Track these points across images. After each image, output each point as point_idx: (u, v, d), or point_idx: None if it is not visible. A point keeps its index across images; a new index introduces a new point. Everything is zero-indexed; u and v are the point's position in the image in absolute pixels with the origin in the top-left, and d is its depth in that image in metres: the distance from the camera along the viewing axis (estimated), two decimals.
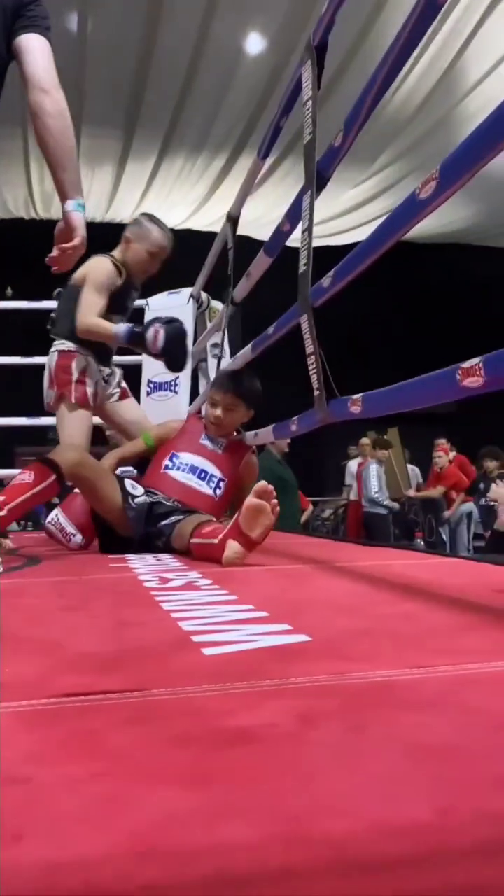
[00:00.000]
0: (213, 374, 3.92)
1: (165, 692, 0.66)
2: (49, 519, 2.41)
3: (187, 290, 3.94)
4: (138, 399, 3.91)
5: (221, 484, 2.41)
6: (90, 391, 2.66)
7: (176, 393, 3.73)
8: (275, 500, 1.79)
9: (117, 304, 2.68)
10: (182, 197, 8.82)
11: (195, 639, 0.87)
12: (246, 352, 2.62)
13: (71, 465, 2.14)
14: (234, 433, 2.57)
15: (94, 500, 2.24)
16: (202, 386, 3.84)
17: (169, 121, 7.26)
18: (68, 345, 2.65)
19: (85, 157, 7.94)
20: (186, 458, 2.42)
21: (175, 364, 2.63)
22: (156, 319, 2.56)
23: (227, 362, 3.35)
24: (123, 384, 2.95)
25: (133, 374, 4.02)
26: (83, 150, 7.74)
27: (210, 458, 2.44)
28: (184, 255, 5.06)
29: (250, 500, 1.75)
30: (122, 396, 2.91)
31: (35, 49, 1.81)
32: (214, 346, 3.84)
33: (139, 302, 4.15)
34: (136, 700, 0.64)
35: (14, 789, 0.45)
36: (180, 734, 0.55)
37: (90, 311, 2.55)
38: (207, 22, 5.98)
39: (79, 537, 2.35)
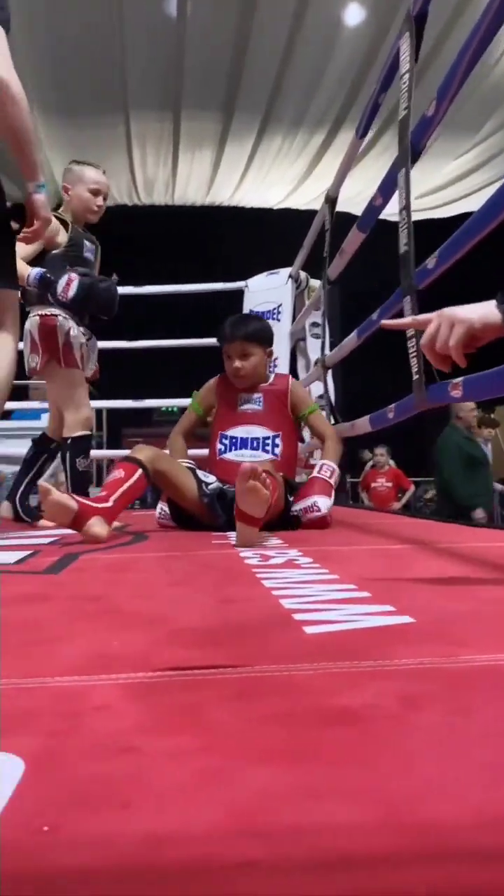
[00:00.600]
0: (312, 354, 3.91)
1: (268, 669, 0.66)
2: (157, 514, 2.45)
3: (286, 271, 3.92)
4: None
5: (277, 440, 2.41)
6: (77, 355, 2.64)
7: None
8: (264, 475, 1.78)
9: (74, 257, 2.64)
10: (280, 176, 8.75)
11: (297, 617, 0.87)
12: (351, 339, 2.60)
13: (149, 459, 2.17)
14: (267, 381, 2.51)
15: (173, 491, 2.26)
16: (300, 366, 3.83)
17: (267, 100, 7.20)
18: (49, 309, 2.60)
19: (185, 142, 8.02)
20: (233, 433, 2.43)
21: (80, 311, 2.62)
22: (74, 270, 2.54)
23: (328, 341, 3.33)
24: (95, 364, 2.90)
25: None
26: (183, 134, 7.82)
27: (255, 421, 2.42)
28: (283, 235, 5.05)
29: (239, 484, 1.75)
30: (93, 377, 2.89)
31: None
32: (314, 325, 3.83)
33: (238, 283, 4.18)
34: (238, 676, 0.64)
35: (123, 759, 0.46)
36: (282, 711, 0.55)
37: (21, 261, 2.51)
38: None
39: None
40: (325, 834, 0.36)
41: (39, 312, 2.62)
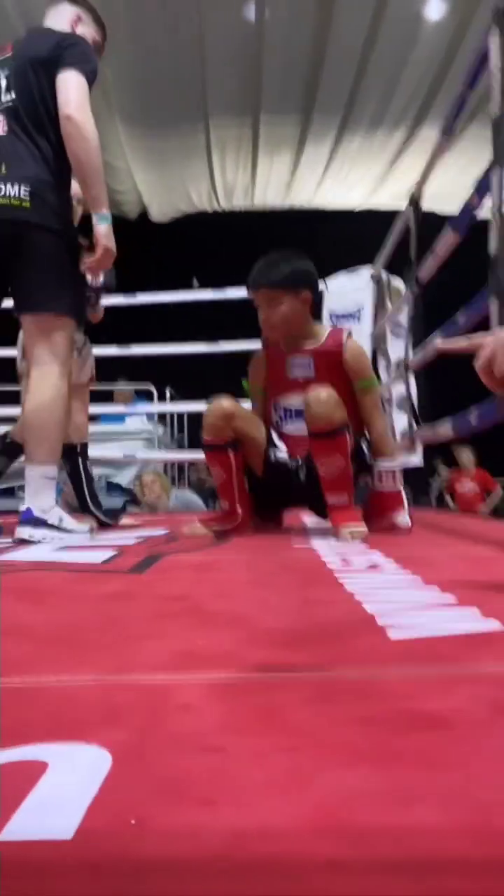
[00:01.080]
0: (393, 355, 3.86)
1: (351, 672, 0.66)
2: None
3: (366, 270, 3.88)
4: None
5: None
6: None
7: None
8: None
9: None
10: (360, 176, 8.68)
11: (380, 621, 0.86)
12: (435, 341, 2.55)
13: (229, 429, 2.12)
14: (315, 336, 2.22)
15: (246, 448, 2.18)
16: (381, 367, 3.78)
17: (346, 100, 7.16)
18: None
19: (264, 146, 8.05)
20: (286, 403, 2.22)
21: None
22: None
23: (410, 341, 3.28)
24: (92, 370, 2.88)
25: None
26: (262, 138, 7.86)
27: (307, 388, 2.08)
28: (363, 236, 5.01)
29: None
30: (89, 382, 2.89)
31: (62, 82, 2.10)
32: (396, 325, 3.78)
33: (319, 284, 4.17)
34: (321, 678, 0.64)
35: (207, 757, 0.47)
36: (366, 715, 0.54)
37: None
38: None
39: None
40: (412, 836, 0.35)
41: None
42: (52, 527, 2.09)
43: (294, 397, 2.17)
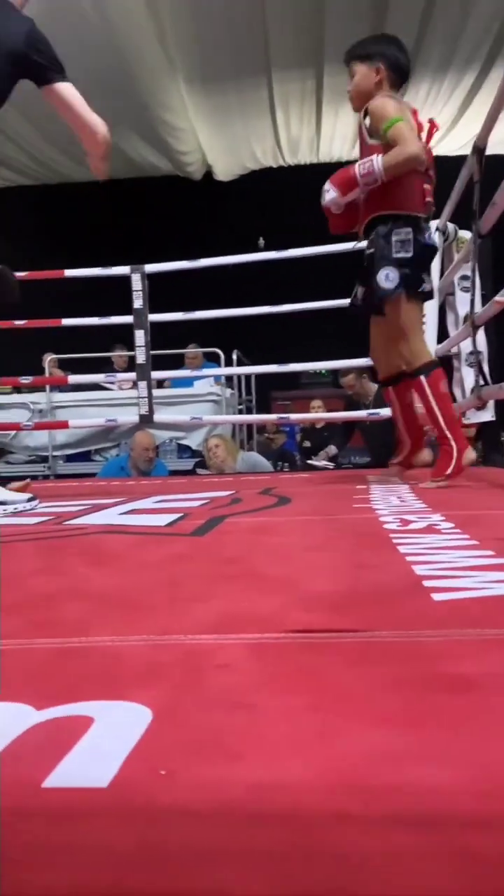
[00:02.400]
0: (461, 309, 3.76)
1: (390, 635, 0.67)
2: None
3: (433, 223, 3.77)
4: None
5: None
6: None
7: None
8: None
9: None
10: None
11: (427, 583, 0.87)
12: (500, 298, 2.47)
13: None
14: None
15: None
16: (450, 321, 3.70)
17: (413, 43, 6.89)
18: None
19: (328, 98, 7.85)
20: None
21: None
22: None
23: (478, 296, 3.19)
24: None
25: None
26: (325, 90, 7.67)
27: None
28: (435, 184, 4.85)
29: None
30: None
31: (74, 98, 2.06)
32: (464, 278, 3.67)
33: None
34: (360, 640, 0.66)
35: (239, 714, 0.50)
36: (399, 676, 0.56)
37: None
38: None
39: None
40: (421, 793, 0.37)
41: None
42: None
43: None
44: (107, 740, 0.46)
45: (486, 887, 0.31)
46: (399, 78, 2.37)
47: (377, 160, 2.22)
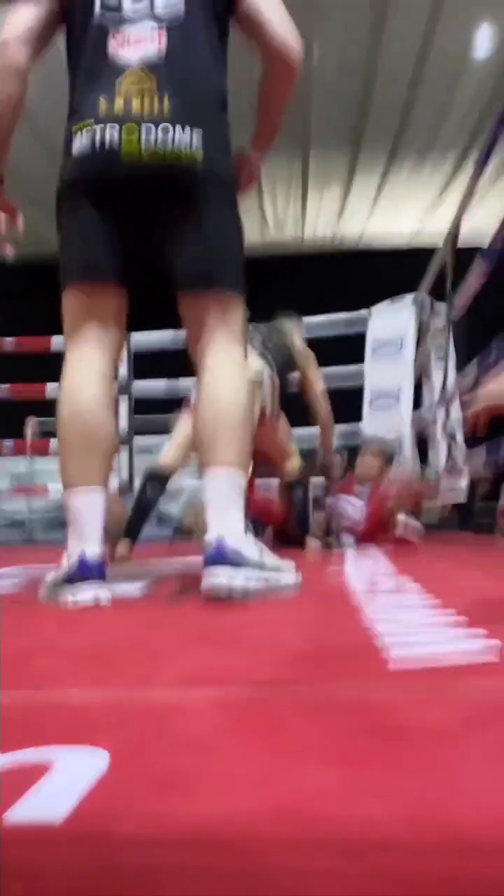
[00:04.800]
0: (437, 382, 3.88)
1: (346, 688, 0.70)
2: None
3: (410, 297, 3.92)
4: (360, 410, 3.97)
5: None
6: None
7: (399, 402, 3.73)
8: None
9: None
10: (410, 206, 8.76)
11: (386, 641, 0.90)
12: (473, 370, 2.58)
13: None
14: None
15: None
16: (427, 389, 3.80)
17: (396, 132, 7.27)
18: None
19: (314, 180, 8.20)
20: None
21: None
22: None
23: (451, 367, 3.30)
24: None
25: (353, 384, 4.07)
26: (311, 173, 8.01)
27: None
28: (410, 269, 5.05)
29: None
30: None
31: (267, 6, 1.68)
32: (439, 348, 3.80)
33: (362, 312, 4.21)
34: (316, 693, 0.69)
35: (196, 756, 0.52)
36: (350, 726, 0.59)
37: None
38: (431, 27, 5.93)
39: None
40: (356, 823, 0.40)
41: None
42: (255, 565, 1.45)
43: None
44: (64, 781, 0.48)
45: None
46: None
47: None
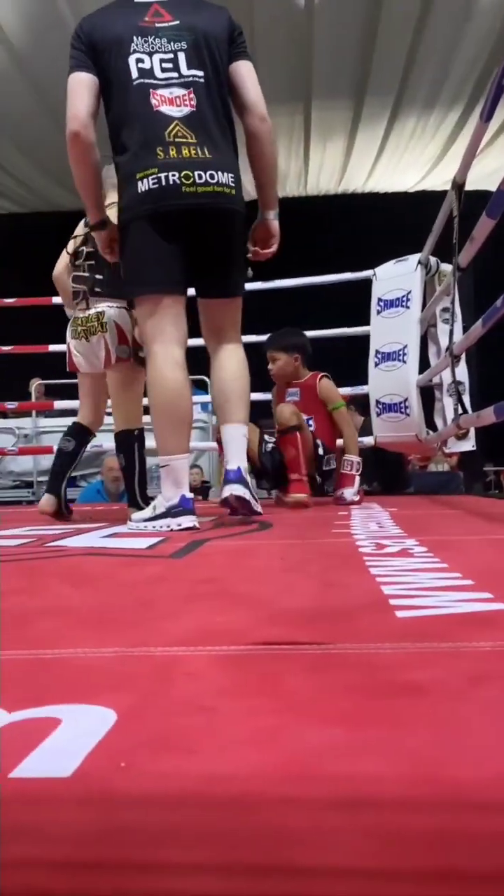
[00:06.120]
0: (443, 341, 3.84)
1: (349, 647, 0.71)
2: None
3: (415, 257, 3.87)
4: (365, 370, 3.95)
5: (310, 421, 3.34)
6: None
7: (404, 363, 3.70)
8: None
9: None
10: (415, 159, 8.59)
11: (392, 602, 0.91)
12: (476, 327, 2.55)
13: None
14: (301, 378, 3.42)
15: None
16: (432, 353, 3.77)
17: (399, 82, 7.09)
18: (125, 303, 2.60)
19: (316, 132, 8.04)
20: None
21: None
22: None
23: (458, 327, 3.27)
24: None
25: (360, 344, 4.06)
26: (314, 126, 7.84)
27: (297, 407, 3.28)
28: (417, 219, 4.97)
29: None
30: None
31: (247, 75, 2.22)
32: (445, 310, 3.76)
33: (367, 272, 4.16)
34: (319, 652, 0.69)
35: (199, 716, 0.53)
36: (352, 683, 0.59)
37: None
38: None
39: None
40: (357, 781, 0.41)
41: (120, 305, 2.68)
42: (253, 490, 2.23)
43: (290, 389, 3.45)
44: (72, 738, 0.49)
45: (406, 860, 0.34)
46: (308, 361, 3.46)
47: (353, 458, 3.30)
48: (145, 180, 2.07)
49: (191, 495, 2.14)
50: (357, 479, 3.28)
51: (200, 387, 6.29)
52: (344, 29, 6.30)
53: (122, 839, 0.37)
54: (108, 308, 2.70)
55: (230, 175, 2.13)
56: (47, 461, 5.58)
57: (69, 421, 5.70)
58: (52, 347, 4.32)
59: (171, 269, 2.14)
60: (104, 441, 4.49)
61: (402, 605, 0.89)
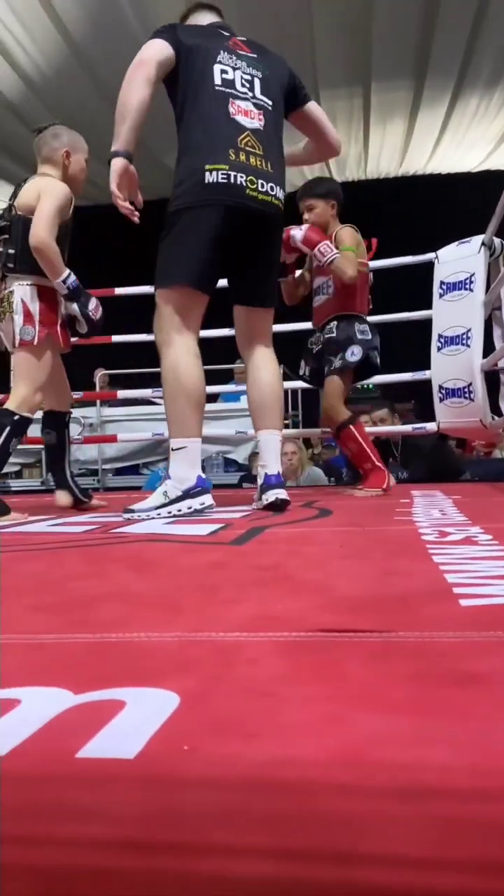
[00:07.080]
0: None
1: (410, 635, 0.70)
2: None
3: (478, 239, 3.77)
4: (428, 356, 3.88)
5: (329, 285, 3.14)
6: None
7: (468, 347, 3.62)
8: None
9: (65, 240, 2.51)
10: (478, 137, 8.36)
11: (456, 590, 0.89)
12: None
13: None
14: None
15: None
16: (496, 336, 3.68)
17: (461, 61, 6.90)
18: (43, 280, 2.47)
19: (376, 115, 7.90)
20: (315, 284, 3.26)
21: (87, 334, 2.63)
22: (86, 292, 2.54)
23: None
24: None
25: (423, 328, 3.98)
26: (374, 108, 7.71)
27: (327, 272, 3.08)
28: (480, 200, 4.84)
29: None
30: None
31: (321, 113, 2.60)
32: None
33: (429, 255, 4.08)
34: (381, 640, 0.69)
35: (259, 701, 0.54)
36: (413, 671, 0.59)
37: (49, 230, 2.38)
38: None
39: None
40: (417, 770, 0.40)
41: (38, 282, 2.48)
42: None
43: (319, 278, 3.22)
44: (137, 720, 0.50)
45: (465, 850, 0.34)
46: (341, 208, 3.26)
47: (337, 259, 2.94)
48: (215, 173, 2.18)
49: (204, 475, 2.23)
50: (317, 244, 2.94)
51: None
52: (404, 7, 6.15)
53: (183, 821, 0.38)
54: (17, 286, 2.49)
55: (282, 193, 2.32)
56: (112, 450, 5.69)
57: (132, 410, 5.83)
58: (116, 338, 4.38)
59: (213, 270, 2.29)
60: (165, 430, 4.55)
61: (466, 593, 0.87)
